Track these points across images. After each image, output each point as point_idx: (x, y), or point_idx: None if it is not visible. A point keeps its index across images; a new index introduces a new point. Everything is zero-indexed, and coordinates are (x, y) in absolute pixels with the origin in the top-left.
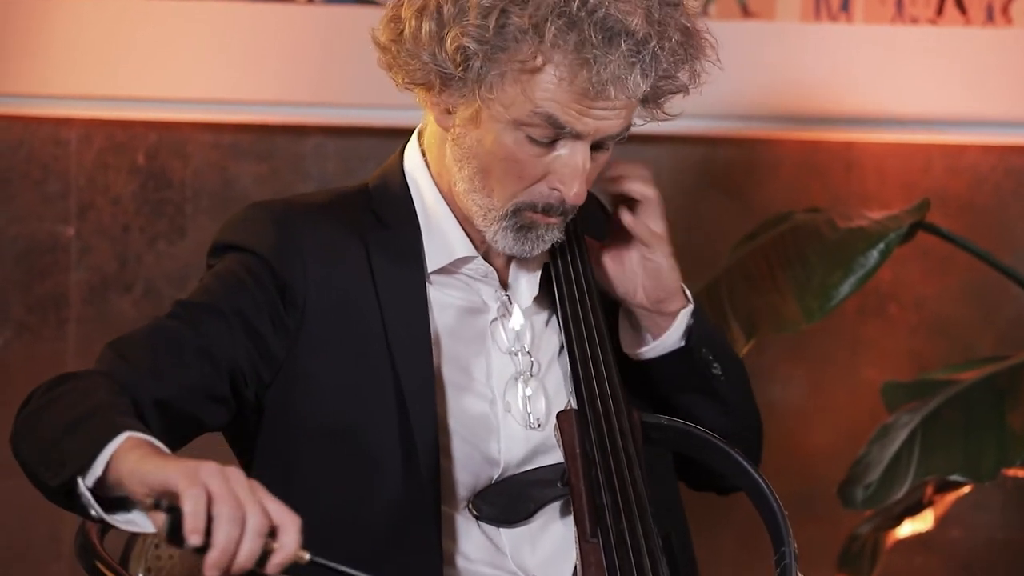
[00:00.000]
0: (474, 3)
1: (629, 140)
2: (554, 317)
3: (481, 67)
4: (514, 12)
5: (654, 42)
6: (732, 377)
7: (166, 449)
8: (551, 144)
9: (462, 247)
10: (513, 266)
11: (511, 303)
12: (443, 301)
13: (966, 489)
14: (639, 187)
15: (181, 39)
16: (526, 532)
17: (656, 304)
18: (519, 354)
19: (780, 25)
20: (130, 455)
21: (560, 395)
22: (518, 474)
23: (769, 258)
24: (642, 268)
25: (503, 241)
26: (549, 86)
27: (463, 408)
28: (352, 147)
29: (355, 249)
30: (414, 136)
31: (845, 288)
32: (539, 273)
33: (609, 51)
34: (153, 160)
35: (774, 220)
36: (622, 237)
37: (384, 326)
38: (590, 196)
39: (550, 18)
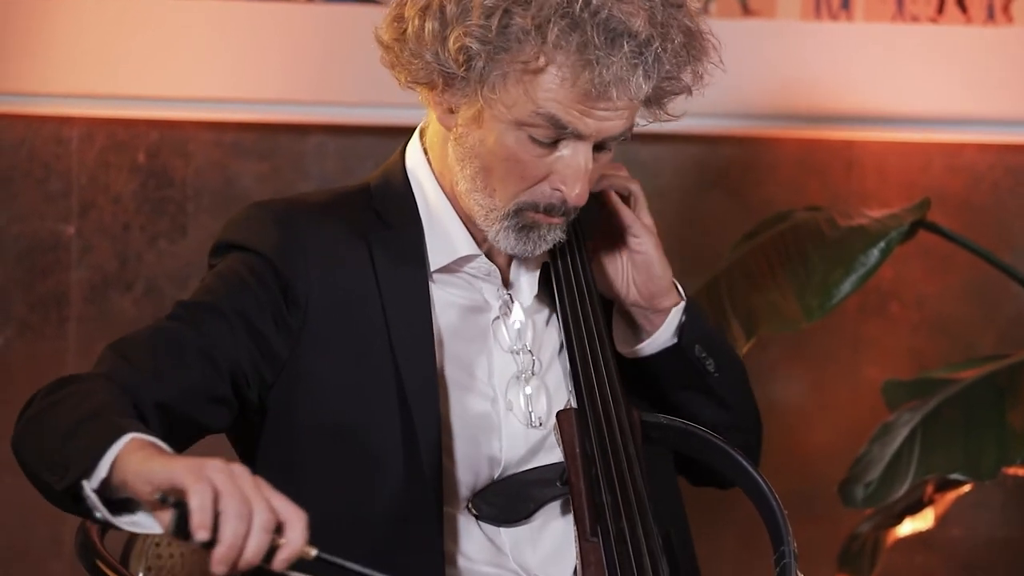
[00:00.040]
0: (477, 3)
1: (629, 138)
2: (554, 315)
3: (484, 67)
4: (517, 12)
5: (657, 43)
6: (729, 375)
7: (170, 449)
8: (553, 144)
9: (465, 245)
10: (514, 264)
11: (512, 301)
12: (446, 300)
13: (966, 488)
14: (625, 182)
15: (182, 38)
16: (526, 531)
17: (649, 300)
18: (520, 352)
19: (780, 23)
20: (134, 456)
21: (561, 393)
22: (517, 474)
23: (769, 256)
24: (633, 263)
25: (505, 241)
26: (551, 87)
27: (465, 407)
28: (353, 146)
29: (358, 248)
30: (416, 134)
31: (846, 287)
32: (539, 272)
33: (611, 52)
34: (154, 159)
35: (774, 218)
36: (611, 235)
37: (387, 325)
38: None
39: (553, 19)
